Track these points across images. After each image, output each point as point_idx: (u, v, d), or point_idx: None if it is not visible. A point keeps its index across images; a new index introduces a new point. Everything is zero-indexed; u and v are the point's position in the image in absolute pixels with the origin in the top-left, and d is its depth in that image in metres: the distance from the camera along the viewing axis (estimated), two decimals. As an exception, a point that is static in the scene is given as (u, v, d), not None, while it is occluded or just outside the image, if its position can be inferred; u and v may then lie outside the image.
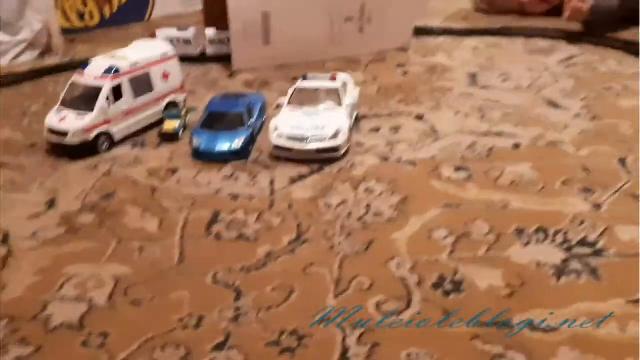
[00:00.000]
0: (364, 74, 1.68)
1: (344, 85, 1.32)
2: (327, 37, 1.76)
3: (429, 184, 1.09)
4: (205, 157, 1.20)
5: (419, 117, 1.38)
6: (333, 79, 1.30)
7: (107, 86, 1.24)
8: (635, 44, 1.76)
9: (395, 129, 1.32)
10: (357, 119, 1.35)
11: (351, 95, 1.32)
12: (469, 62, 1.73)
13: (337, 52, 1.78)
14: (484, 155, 1.19)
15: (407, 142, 1.26)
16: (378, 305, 0.80)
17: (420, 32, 1.98)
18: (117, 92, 1.26)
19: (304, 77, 1.31)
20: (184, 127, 1.33)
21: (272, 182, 1.12)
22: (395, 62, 1.76)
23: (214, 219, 1.00)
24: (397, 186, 1.08)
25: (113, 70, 1.26)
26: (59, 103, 1.27)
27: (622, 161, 1.13)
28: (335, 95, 1.27)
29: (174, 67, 1.40)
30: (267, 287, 0.84)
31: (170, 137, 1.30)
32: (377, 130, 1.32)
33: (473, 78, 1.61)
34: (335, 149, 1.18)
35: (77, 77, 1.28)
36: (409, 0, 1.83)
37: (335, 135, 1.18)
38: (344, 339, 0.74)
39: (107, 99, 1.24)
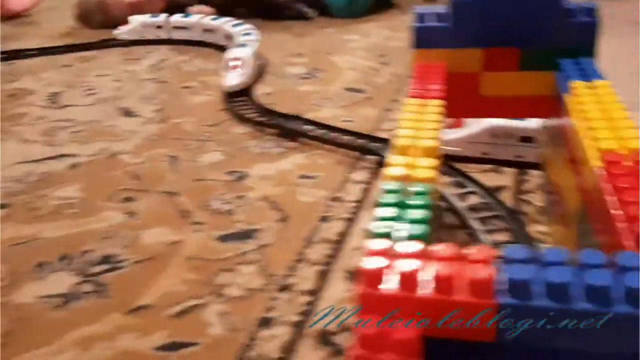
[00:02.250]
0: None
1: None
2: None
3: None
4: None
5: (-25, 155, 1.22)
6: None
7: None
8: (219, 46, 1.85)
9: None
10: None
11: None
12: (56, 82, 1.62)
13: None
14: (33, 184, 1.09)
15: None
16: None
17: (10, 56, 1.81)
18: None
19: None
20: None
21: None
22: (-31, 94, 1.56)
23: None
24: None
25: None
26: None
27: (173, 160, 1.16)
28: None
29: None
30: None
31: None
32: None
33: (54, 98, 1.51)
34: None
35: None
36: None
37: None
38: None
39: None
